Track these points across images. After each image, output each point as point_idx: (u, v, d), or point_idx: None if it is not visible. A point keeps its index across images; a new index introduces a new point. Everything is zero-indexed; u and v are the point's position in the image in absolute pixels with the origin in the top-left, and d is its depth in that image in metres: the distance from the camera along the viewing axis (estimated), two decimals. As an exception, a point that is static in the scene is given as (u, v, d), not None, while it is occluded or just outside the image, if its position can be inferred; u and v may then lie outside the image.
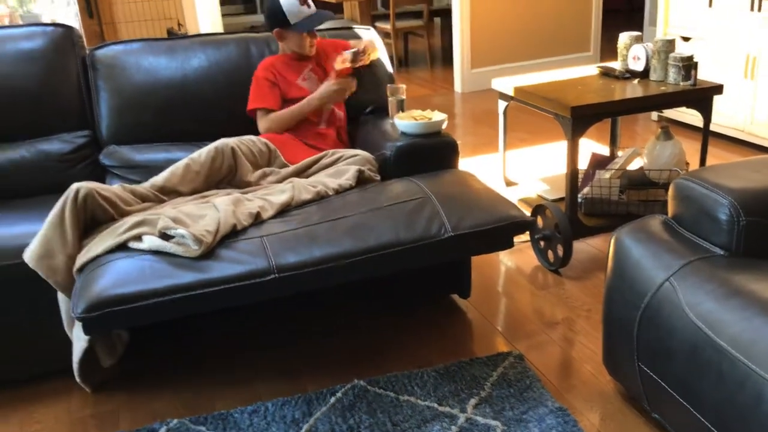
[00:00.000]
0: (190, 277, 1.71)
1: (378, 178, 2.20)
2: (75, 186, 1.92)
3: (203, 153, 2.19)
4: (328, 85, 2.40)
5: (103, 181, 2.44)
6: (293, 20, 2.40)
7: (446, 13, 6.78)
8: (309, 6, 2.43)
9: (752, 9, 3.61)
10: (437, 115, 2.27)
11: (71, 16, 5.38)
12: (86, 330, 1.70)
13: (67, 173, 2.42)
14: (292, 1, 2.39)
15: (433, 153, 2.22)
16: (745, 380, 1.32)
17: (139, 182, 2.39)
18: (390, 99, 2.42)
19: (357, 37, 2.69)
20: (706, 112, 2.60)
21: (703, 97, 2.57)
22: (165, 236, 1.79)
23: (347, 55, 2.39)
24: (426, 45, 6.53)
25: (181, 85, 2.48)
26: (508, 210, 1.96)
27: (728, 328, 1.39)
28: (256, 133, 2.46)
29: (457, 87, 5.53)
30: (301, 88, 2.46)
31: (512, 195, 2.94)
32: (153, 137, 2.50)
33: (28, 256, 1.85)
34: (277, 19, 2.41)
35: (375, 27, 5.66)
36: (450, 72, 6.00)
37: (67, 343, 1.96)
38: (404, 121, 2.24)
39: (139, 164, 2.44)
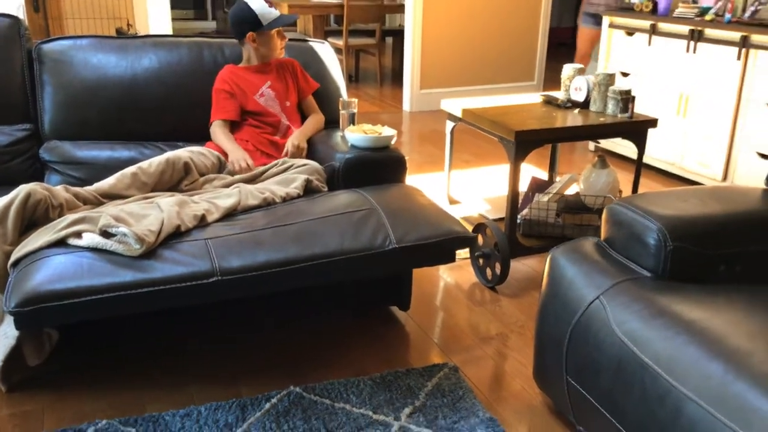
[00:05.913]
0: (131, 275, 1.69)
1: (325, 188, 2.23)
2: (27, 188, 1.88)
3: (153, 164, 2.16)
4: (242, 154, 2.35)
5: (41, 177, 2.39)
6: (265, 21, 2.43)
7: (398, 34, 6.90)
8: (274, 8, 2.48)
9: (687, 51, 3.82)
10: (387, 131, 2.32)
11: (14, 9, 5.22)
12: (18, 325, 1.65)
13: (4, 166, 2.35)
14: (262, 3, 2.45)
15: (381, 167, 2.27)
16: (666, 395, 1.39)
17: (79, 179, 2.35)
18: (341, 112, 2.46)
19: (310, 49, 2.73)
20: (641, 144, 2.73)
21: (638, 129, 2.70)
22: (106, 234, 1.77)
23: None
24: (377, 63, 6.62)
25: (130, 85, 2.46)
26: (451, 225, 2.01)
27: (652, 346, 1.47)
28: (207, 138, 2.46)
29: (406, 106, 5.62)
30: (258, 103, 2.47)
31: (455, 213, 3.01)
32: (97, 135, 2.47)
33: (-38, 249, 1.79)
34: (249, 23, 2.44)
35: (328, 42, 5.70)
36: (398, 91, 6.09)
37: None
38: (354, 134, 2.28)
39: (81, 161, 2.40)
